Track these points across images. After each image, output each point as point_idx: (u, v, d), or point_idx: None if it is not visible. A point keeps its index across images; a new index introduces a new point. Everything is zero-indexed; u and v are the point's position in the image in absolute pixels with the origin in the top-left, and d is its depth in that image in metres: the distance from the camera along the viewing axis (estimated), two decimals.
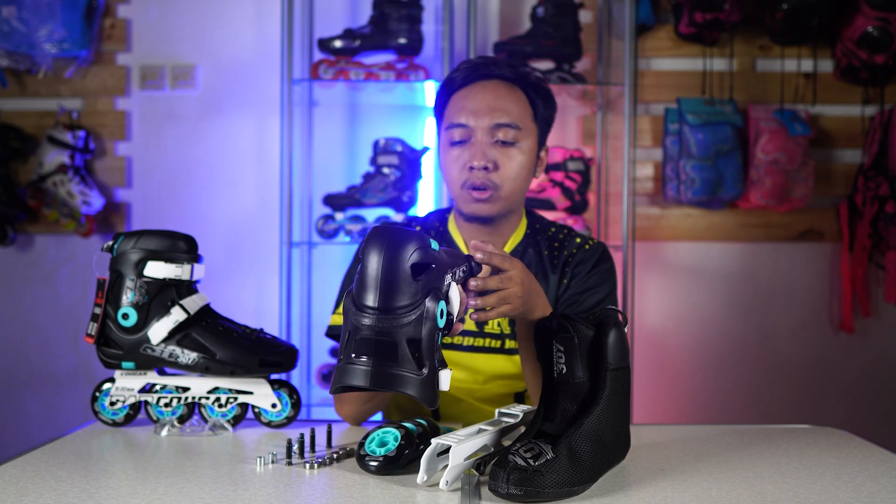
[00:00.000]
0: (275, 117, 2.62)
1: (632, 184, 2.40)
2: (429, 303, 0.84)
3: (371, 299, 0.83)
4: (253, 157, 2.72)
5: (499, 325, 1.38)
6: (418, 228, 1.45)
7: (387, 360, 0.84)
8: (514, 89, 1.36)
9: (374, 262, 0.83)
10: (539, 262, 1.40)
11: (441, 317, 0.86)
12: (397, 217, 2.43)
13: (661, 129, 2.68)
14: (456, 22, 2.50)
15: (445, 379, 0.88)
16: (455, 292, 0.90)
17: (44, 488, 0.93)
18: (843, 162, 2.72)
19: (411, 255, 0.83)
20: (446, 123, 1.37)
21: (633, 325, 2.49)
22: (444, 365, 0.89)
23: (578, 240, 1.43)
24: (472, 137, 1.33)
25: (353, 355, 0.85)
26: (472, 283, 1.00)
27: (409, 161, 2.45)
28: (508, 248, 1.42)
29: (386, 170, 2.44)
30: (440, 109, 1.40)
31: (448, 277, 0.90)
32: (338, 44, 2.41)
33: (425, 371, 0.84)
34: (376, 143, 2.46)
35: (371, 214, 2.46)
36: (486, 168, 1.31)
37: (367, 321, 0.83)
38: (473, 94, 1.35)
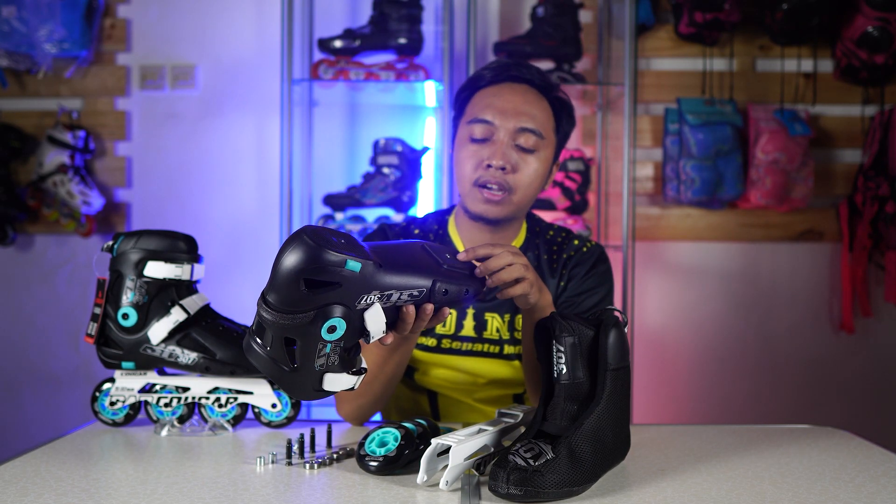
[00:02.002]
0: (275, 117, 2.62)
1: (632, 184, 2.40)
2: (314, 314, 0.87)
3: (266, 289, 0.88)
4: (253, 157, 2.72)
5: (497, 330, 1.38)
6: (417, 232, 1.45)
7: (266, 346, 0.90)
8: (542, 98, 1.35)
9: (276, 259, 0.87)
10: (538, 266, 1.40)
11: (331, 332, 0.88)
12: (397, 217, 2.44)
13: (661, 129, 2.68)
14: (456, 22, 2.50)
15: (333, 382, 0.92)
16: (374, 314, 0.91)
17: (44, 488, 0.93)
18: (843, 162, 2.72)
19: (306, 269, 0.85)
20: (468, 118, 1.34)
21: (633, 325, 2.49)
22: (345, 369, 0.92)
23: (576, 242, 1.43)
24: (494, 136, 1.31)
25: (254, 329, 0.91)
26: (477, 271, 1.04)
27: (409, 161, 2.45)
28: None
29: (386, 170, 2.44)
30: (462, 103, 1.38)
31: (370, 298, 0.90)
32: (338, 44, 2.41)
33: (296, 368, 0.90)
34: (376, 143, 2.46)
35: (371, 214, 2.46)
36: (503, 169, 1.29)
37: (259, 308, 0.89)
38: (502, 94, 1.33)
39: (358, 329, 0.92)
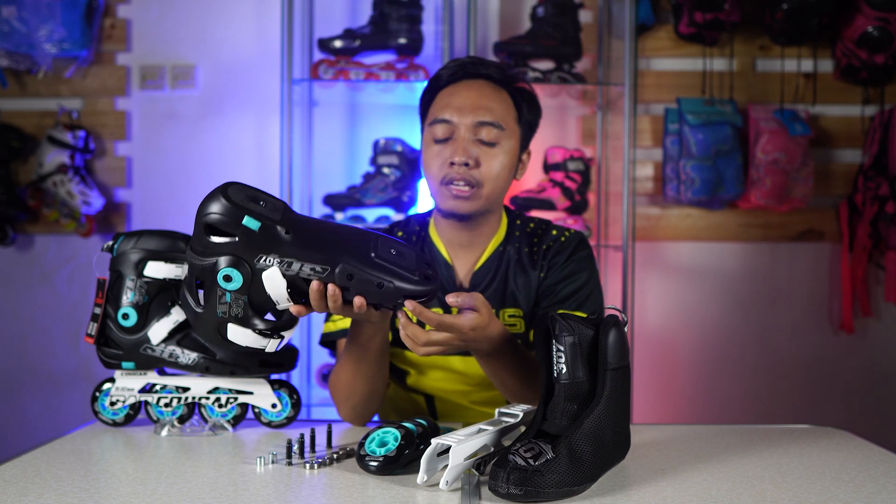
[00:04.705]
0: (275, 117, 2.62)
1: (632, 184, 2.40)
2: (215, 261, 0.94)
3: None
4: (253, 158, 2.72)
5: None
6: (400, 234, 1.46)
7: (187, 285, 0.98)
8: (500, 90, 1.37)
9: None
10: (518, 259, 1.40)
11: (227, 281, 0.94)
12: (397, 217, 2.44)
13: (661, 129, 2.68)
14: (456, 22, 2.50)
15: (236, 333, 0.97)
16: (271, 276, 0.95)
17: (44, 488, 0.93)
18: (843, 162, 2.72)
19: (206, 216, 0.93)
20: (430, 119, 1.36)
21: (633, 325, 2.49)
22: (249, 326, 0.97)
23: (555, 232, 1.43)
24: (455, 134, 1.33)
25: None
26: (410, 305, 1.04)
27: (409, 161, 2.45)
28: (490, 249, 1.41)
29: (386, 170, 2.44)
30: (425, 106, 1.40)
31: (269, 259, 0.95)
32: (338, 44, 2.41)
33: (201, 310, 0.96)
34: (376, 143, 2.46)
35: (371, 214, 2.46)
36: (466, 164, 1.30)
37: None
38: (458, 92, 1.35)
39: (260, 287, 0.95)
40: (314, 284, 0.99)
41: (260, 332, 0.98)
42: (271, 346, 0.98)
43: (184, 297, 0.97)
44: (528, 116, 1.40)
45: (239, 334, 0.96)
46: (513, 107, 1.37)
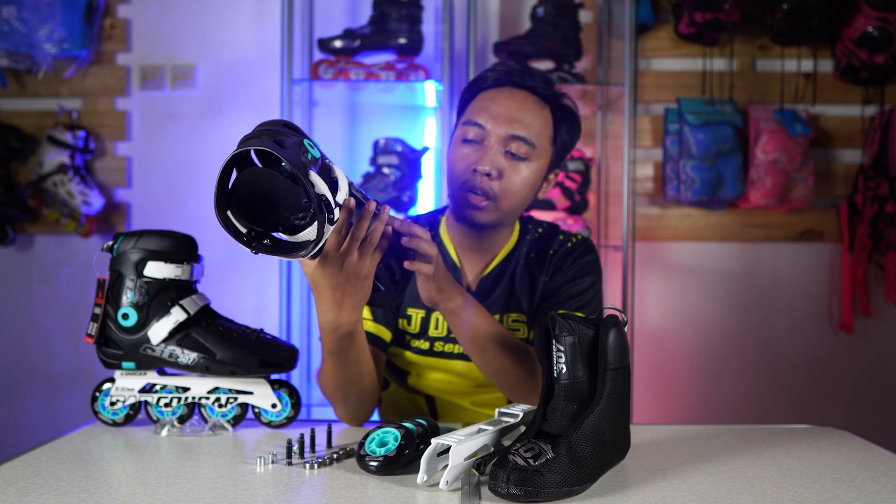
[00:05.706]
0: (275, 117, 2.61)
1: (632, 184, 2.40)
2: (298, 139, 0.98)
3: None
4: None
5: None
6: None
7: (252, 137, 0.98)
8: (542, 106, 1.33)
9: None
10: (525, 263, 1.40)
11: (311, 147, 0.98)
12: (397, 217, 2.43)
13: (661, 129, 2.68)
14: (456, 22, 2.50)
15: (315, 179, 0.97)
16: (338, 171, 1.02)
17: (44, 488, 0.93)
18: (843, 162, 2.72)
19: (278, 120, 1.00)
20: (465, 119, 1.34)
21: (633, 325, 2.49)
22: (325, 181, 0.98)
23: (561, 237, 1.42)
24: (485, 141, 1.30)
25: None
26: (397, 224, 1.12)
27: (409, 161, 2.45)
28: (501, 256, 1.41)
29: (386, 170, 2.44)
30: (464, 103, 1.38)
31: (335, 169, 1.02)
32: (338, 44, 2.41)
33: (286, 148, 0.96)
34: (376, 143, 2.46)
35: None
36: (488, 175, 1.29)
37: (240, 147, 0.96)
38: (499, 99, 1.32)
39: (330, 172, 1.00)
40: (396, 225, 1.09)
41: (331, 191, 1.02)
42: (337, 212, 1.01)
43: (262, 141, 0.96)
44: (564, 137, 1.37)
45: (318, 180, 0.97)
46: (550, 125, 1.34)
